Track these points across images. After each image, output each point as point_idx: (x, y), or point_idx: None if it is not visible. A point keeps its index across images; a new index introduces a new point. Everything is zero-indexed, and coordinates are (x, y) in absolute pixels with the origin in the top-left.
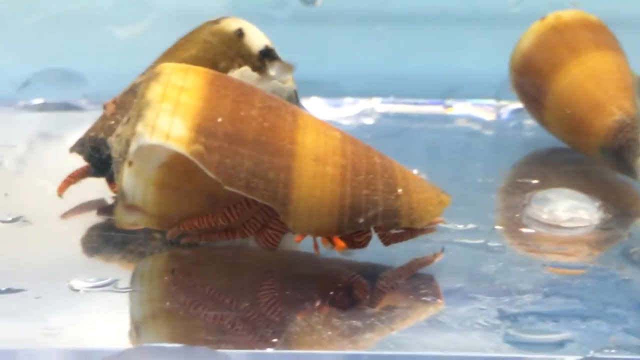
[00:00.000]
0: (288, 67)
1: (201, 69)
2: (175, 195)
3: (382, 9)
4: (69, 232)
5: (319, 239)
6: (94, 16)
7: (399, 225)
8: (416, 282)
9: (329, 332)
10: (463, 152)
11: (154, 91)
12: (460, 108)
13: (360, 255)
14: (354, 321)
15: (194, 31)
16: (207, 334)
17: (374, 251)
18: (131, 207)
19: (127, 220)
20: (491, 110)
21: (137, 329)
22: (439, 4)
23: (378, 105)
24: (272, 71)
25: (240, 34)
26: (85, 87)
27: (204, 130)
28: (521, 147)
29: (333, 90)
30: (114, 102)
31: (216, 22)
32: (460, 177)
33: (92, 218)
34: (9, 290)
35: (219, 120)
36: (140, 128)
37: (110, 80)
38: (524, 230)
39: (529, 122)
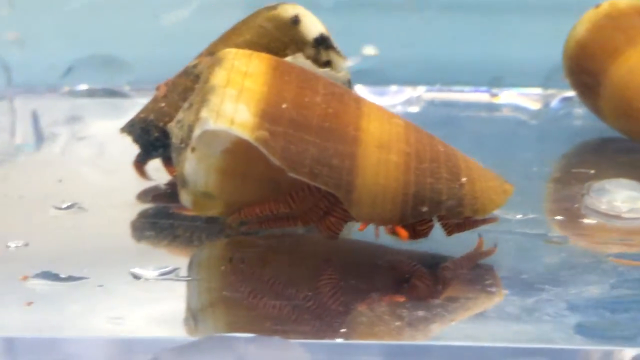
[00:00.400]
0: (343, 56)
1: (264, 55)
2: (237, 182)
3: None
4: (123, 218)
5: (381, 227)
6: (139, 1)
7: (462, 214)
8: (477, 272)
9: (397, 323)
10: (511, 141)
11: (219, 76)
12: (507, 96)
13: (419, 245)
14: (420, 312)
15: (251, 16)
16: (273, 323)
17: (432, 240)
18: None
19: (188, 205)
20: (539, 99)
21: (195, 317)
22: None
23: (424, 93)
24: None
25: (295, 20)
26: (130, 73)
27: (268, 116)
28: (571, 136)
29: (378, 79)
30: (167, 84)
31: (273, 7)
32: (511, 166)
33: (146, 204)
34: (71, 278)
35: (284, 106)
36: (204, 113)
37: (154, 66)
38: (584, 220)
39: (579, 110)
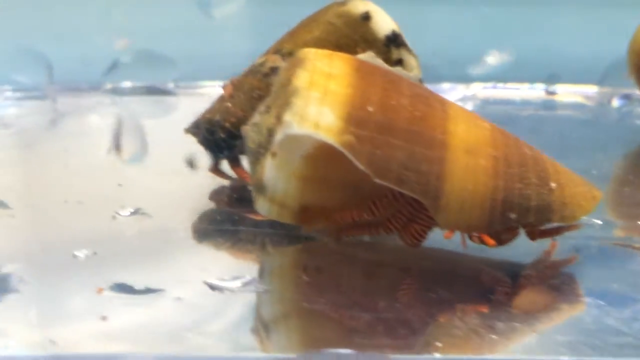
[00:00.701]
0: (414, 55)
1: (345, 55)
2: (317, 188)
3: None
4: (188, 224)
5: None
6: None
7: (550, 221)
8: (560, 281)
9: (492, 336)
10: (569, 140)
11: (301, 78)
12: (563, 94)
13: (494, 251)
14: (514, 323)
15: (320, 11)
16: (362, 336)
17: (510, 247)
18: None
19: (265, 212)
20: (596, 97)
21: (267, 328)
22: None
23: (479, 90)
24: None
25: (366, 17)
26: (175, 70)
27: (354, 120)
28: (631, 135)
29: (429, 75)
30: (232, 83)
31: (343, 3)
32: (573, 167)
33: (211, 209)
34: (148, 290)
35: (370, 109)
36: (288, 117)
37: (200, 62)
38: None
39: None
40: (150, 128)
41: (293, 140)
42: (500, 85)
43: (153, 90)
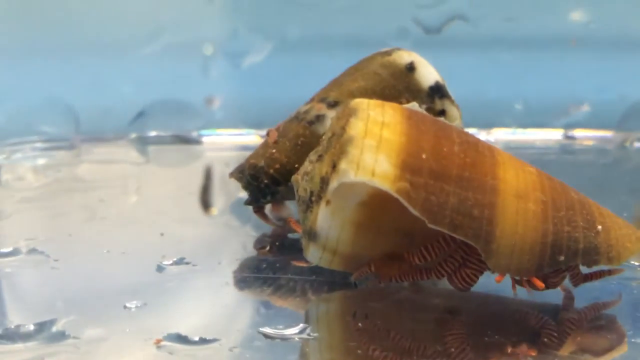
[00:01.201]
0: (456, 105)
1: (396, 105)
2: (371, 235)
3: (504, 34)
4: (233, 273)
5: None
6: (211, 43)
7: (597, 262)
8: (601, 322)
9: None
10: (593, 184)
11: (356, 127)
12: (582, 138)
13: (539, 295)
14: None
15: (364, 61)
16: None
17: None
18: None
19: (315, 260)
20: (615, 140)
21: None
22: (557, 28)
23: (501, 135)
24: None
25: (411, 67)
26: (199, 119)
27: (408, 167)
28: None
29: None
30: (277, 129)
31: (387, 53)
32: None
33: (253, 257)
34: (203, 341)
35: (423, 156)
36: (344, 165)
37: (227, 110)
38: None
39: None
40: (179, 176)
41: (347, 188)
42: (520, 130)
43: (178, 139)
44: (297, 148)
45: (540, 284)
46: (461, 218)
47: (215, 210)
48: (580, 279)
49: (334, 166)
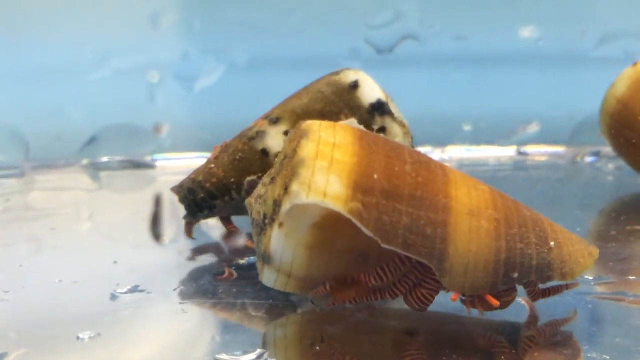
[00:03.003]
0: (400, 123)
1: (347, 126)
2: (325, 256)
3: (454, 52)
4: (189, 298)
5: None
6: (161, 66)
7: (551, 278)
8: (559, 339)
9: None
10: (546, 199)
11: (307, 149)
12: (534, 154)
13: (495, 313)
14: None
15: (316, 80)
16: None
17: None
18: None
19: (271, 283)
20: (566, 155)
21: None
22: (507, 45)
23: (455, 152)
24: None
25: (354, 85)
26: (151, 143)
27: (360, 187)
28: (604, 191)
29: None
30: (222, 146)
31: (336, 73)
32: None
33: (210, 282)
34: None
35: (375, 176)
36: (295, 187)
37: (180, 134)
38: None
39: (610, 166)
40: (133, 201)
41: (300, 209)
42: (473, 147)
43: (130, 164)
44: (235, 163)
45: (494, 301)
46: (414, 237)
47: (166, 239)
48: (538, 294)
49: (286, 188)
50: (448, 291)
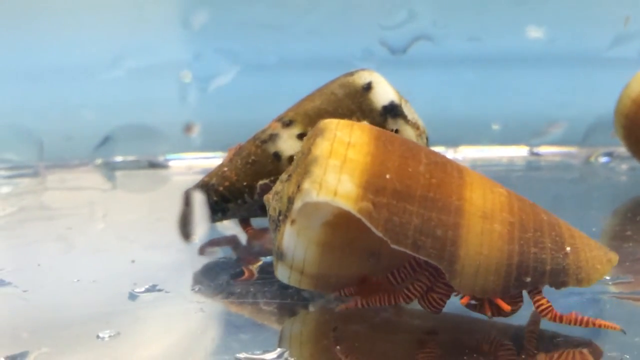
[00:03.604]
0: (414, 125)
1: (366, 125)
2: (336, 255)
3: (468, 53)
4: (208, 298)
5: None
6: (176, 67)
7: (566, 284)
8: (579, 340)
9: None
10: (560, 200)
11: (321, 147)
12: (548, 154)
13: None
14: None
15: (330, 82)
16: None
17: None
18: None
19: (285, 279)
20: (580, 155)
21: None
22: (519, 46)
23: (469, 153)
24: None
25: (367, 87)
26: (165, 143)
27: (372, 187)
28: (618, 191)
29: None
30: (237, 148)
31: (351, 74)
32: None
33: (226, 281)
34: None
35: (387, 176)
36: (307, 185)
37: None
38: None
39: (623, 166)
40: (147, 201)
41: (312, 207)
42: (487, 148)
43: (145, 164)
44: (248, 166)
45: (505, 306)
46: (424, 238)
47: (196, 238)
48: (548, 312)
49: (299, 186)
50: (458, 294)
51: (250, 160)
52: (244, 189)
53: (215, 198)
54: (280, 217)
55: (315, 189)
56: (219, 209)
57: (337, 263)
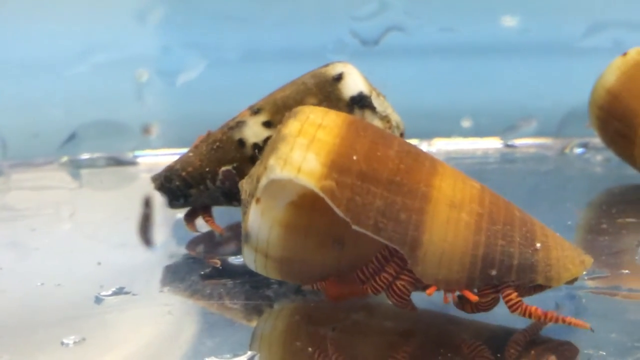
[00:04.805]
0: (384, 118)
1: (342, 113)
2: (300, 238)
3: (440, 43)
4: (176, 300)
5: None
6: (143, 61)
7: (534, 281)
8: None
9: None
10: (535, 192)
11: (291, 127)
12: (523, 146)
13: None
14: None
15: (306, 73)
16: None
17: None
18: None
19: (251, 263)
20: (554, 147)
21: None
22: (492, 36)
23: (442, 145)
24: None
25: (338, 78)
26: (133, 139)
27: (337, 166)
28: (593, 183)
29: None
30: (208, 133)
31: (326, 65)
32: (545, 219)
33: (196, 282)
34: None
35: (354, 157)
36: (272, 161)
37: (163, 129)
38: None
39: (598, 157)
40: (115, 200)
41: (278, 186)
42: (460, 140)
43: (112, 161)
44: (212, 152)
45: (473, 297)
46: (386, 221)
47: (157, 243)
48: (517, 307)
49: (265, 164)
50: (422, 282)
51: (215, 147)
52: (206, 175)
53: (177, 183)
54: (249, 199)
55: (279, 165)
56: (181, 194)
57: (301, 247)
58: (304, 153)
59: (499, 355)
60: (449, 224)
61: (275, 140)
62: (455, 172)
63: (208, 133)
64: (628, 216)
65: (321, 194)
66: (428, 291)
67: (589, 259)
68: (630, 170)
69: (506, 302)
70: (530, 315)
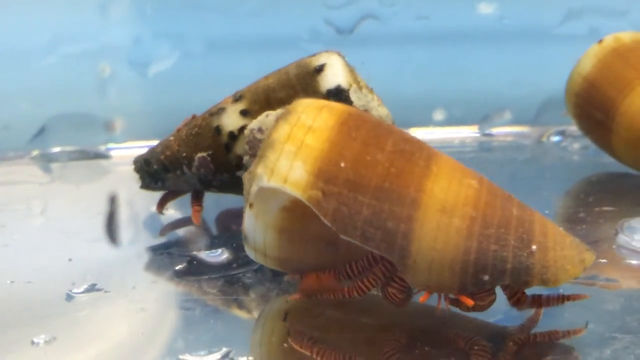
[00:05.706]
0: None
1: (338, 107)
2: (294, 241)
3: (416, 31)
4: (149, 296)
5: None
6: (113, 52)
7: (529, 284)
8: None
9: None
10: (513, 181)
11: (280, 131)
12: (499, 135)
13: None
14: None
15: (294, 61)
16: None
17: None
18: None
19: (253, 258)
20: (532, 136)
21: None
22: (468, 23)
23: (419, 134)
24: None
25: (319, 69)
26: (105, 132)
27: (324, 175)
28: (570, 171)
29: None
30: (192, 117)
31: (313, 55)
32: None
33: (170, 277)
34: None
35: (342, 164)
36: (260, 169)
37: (135, 121)
38: (633, 262)
39: (575, 145)
40: (87, 194)
41: (269, 192)
42: (438, 129)
43: (84, 154)
44: (190, 138)
45: (468, 301)
46: (373, 230)
47: (123, 241)
48: (524, 302)
49: (254, 170)
50: (415, 288)
51: (193, 132)
52: (182, 160)
53: (155, 166)
54: (246, 198)
55: (266, 174)
56: (158, 178)
57: (297, 249)
58: (291, 162)
59: (476, 348)
60: (439, 231)
61: (265, 146)
62: (452, 170)
63: (193, 116)
64: (605, 205)
65: (308, 204)
66: (421, 298)
67: (590, 257)
68: (607, 158)
69: (509, 299)
70: (541, 305)
